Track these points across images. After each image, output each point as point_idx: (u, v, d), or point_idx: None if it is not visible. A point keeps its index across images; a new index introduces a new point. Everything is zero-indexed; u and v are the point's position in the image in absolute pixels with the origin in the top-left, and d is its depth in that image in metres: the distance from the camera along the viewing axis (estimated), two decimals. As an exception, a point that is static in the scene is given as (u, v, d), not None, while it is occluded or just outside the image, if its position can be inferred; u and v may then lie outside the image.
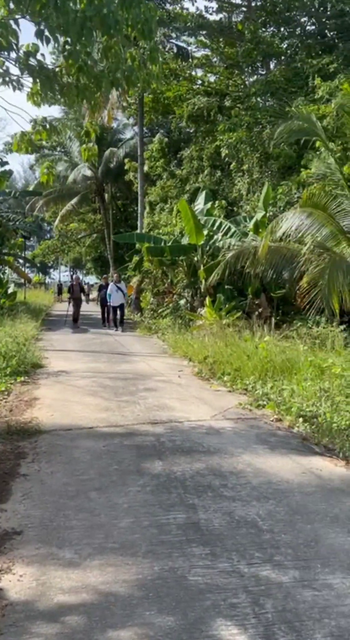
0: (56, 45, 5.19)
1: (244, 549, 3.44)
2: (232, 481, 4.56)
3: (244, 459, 5.11)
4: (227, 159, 18.15)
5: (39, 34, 5.10)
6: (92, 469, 4.85)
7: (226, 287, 14.28)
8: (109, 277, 20.73)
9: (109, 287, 17.45)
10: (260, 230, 13.68)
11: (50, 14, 4.89)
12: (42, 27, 5.09)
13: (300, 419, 6.27)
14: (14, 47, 5.68)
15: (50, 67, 6.30)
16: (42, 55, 6.13)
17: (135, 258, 19.38)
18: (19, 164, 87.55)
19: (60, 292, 40.70)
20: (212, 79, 26.19)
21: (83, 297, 19.38)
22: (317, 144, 13.17)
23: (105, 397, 7.64)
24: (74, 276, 20.81)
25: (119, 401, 7.40)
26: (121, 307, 17.35)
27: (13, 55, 5.99)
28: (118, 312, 17.27)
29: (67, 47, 5.39)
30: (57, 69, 6.22)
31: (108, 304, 17.60)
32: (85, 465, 4.93)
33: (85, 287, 48.45)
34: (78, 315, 18.42)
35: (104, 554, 3.39)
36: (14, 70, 6.50)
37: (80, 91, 5.99)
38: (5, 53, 5.66)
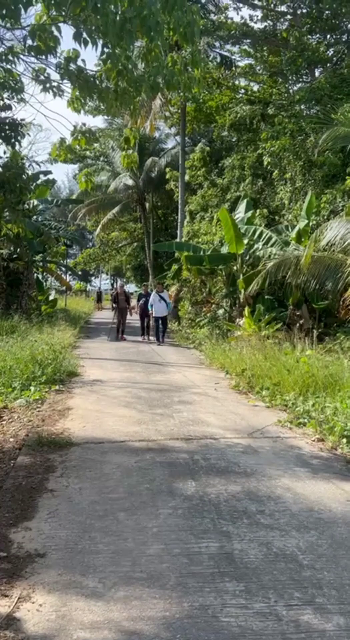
0: (95, 48, 5.05)
1: (282, 587, 3.13)
2: (270, 507, 4.25)
3: (283, 482, 4.79)
4: (269, 167, 17.81)
5: (77, 37, 4.98)
6: (121, 487, 4.63)
7: (266, 297, 13.92)
8: (148, 286, 19.80)
9: (151, 296, 16.35)
10: (302, 239, 13.30)
11: (88, 16, 4.77)
12: (80, 30, 4.97)
13: (344, 440, 5.89)
14: (54, 52, 5.62)
15: (90, 72, 6.23)
16: (83, 61, 6.08)
17: (174, 267, 19.24)
18: (64, 174, 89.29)
19: (99, 299, 39.79)
20: (255, 87, 25.93)
21: (128, 308, 17.62)
22: (364, 151, 12.71)
23: (139, 409, 7.43)
24: (118, 284, 18.81)
25: (153, 414, 7.18)
26: (164, 319, 16.28)
27: (53, 60, 5.95)
28: (160, 323, 16.15)
29: (106, 50, 5.25)
30: (96, 74, 6.13)
31: (149, 313, 16.48)
32: (115, 483, 4.72)
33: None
34: (124, 328, 17.12)
35: (130, 584, 3.15)
36: (55, 77, 6.46)
37: (118, 96, 5.86)
38: (44, 58, 5.57)
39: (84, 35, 5.09)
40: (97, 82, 5.94)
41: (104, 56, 5.44)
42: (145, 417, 6.98)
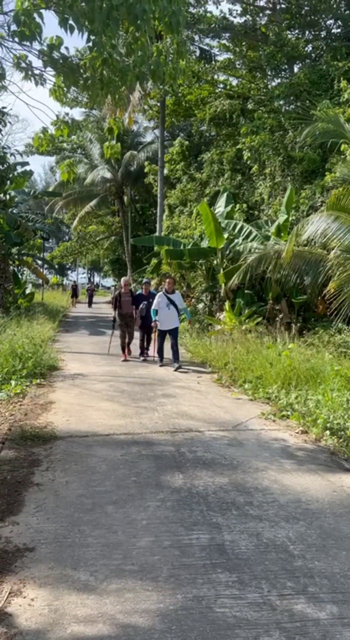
0: (81, 35, 4.96)
1: (274, 577, 3.14)
2: (257, 498, 4.27)
3: (269, 474, 4.81)
4: (248, 162, 17.86)
5: (63, 23, 4.88)
6: (108, 480, 4.59)
7: (246, 291, 13.98)
8: (150, 284, 13.27)
9: (156, 299, 11.02)
10: (282, 234, 13.37)
11: (74, 1, 4.68)
12: (66, 16, 4.87)
13: (327, 432, 5.95)
14: (38, 37, 5.50)
15: (75, 60, 6.12)
16: (66, 48, 5.97)
17: (154, 261, 19.20)
18: (40, 166, 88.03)
19: (75, 294, 35.26)
20: (234, 82, 25.96)
21: (136, 314, 11.82)
22: (342, 147, 12.83)
23: (123, 403, 7.39)
24: (122, 280, 12.56)
25: (136, 407, 7.15)
26: (175, 332, 10.92)
27: (36, 46, 5.83)
28: (170, 339, 10.92)
29: (92, 37, 5.16)
30: (81, 63, 6.03)
31: (152, 324, 11.11)
32: (102, 476, 4.67)
33: (95, 287, 45.53)
34: (130, 342, 11.85)
35: (122, 577, 3.12)
36: (37, 64, 6.33)
37: (104, 85, 5.77)
38: (28, 44, 5.45)
39: (70, 21, 4.99)
40: (82, 70, 5.84)
41: (90, 44, 5.35)
42: (129, 411, 6.94)
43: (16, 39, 5.35)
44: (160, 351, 11.08)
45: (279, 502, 4.23)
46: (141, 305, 11.76)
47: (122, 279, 12.65)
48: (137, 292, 12.27)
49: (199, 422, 6.51)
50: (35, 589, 2.98)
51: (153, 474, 4.74)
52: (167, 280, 11.38)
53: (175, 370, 10.09)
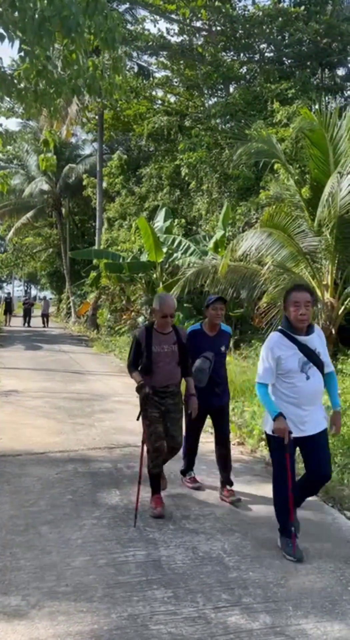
0: (11, 45, 4.87)
1: (209, 590, 3.15)
2: (194, 512, 4.29)
3: (206, 486, 4.84)
4: (186, 178, 18.16)
5: (-8, 30, 4.79)
6: (43, 499, 4.47)
7: (185, 305, 14.12)
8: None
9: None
10: (219, 249, 13.64)
11: (5, 10, 4.61)
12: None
13: (263, 443, 6.07)
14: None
15: (8, 71, 6.03)
16: (0, 59, 5.88)
17: (93, 274, 19.03)
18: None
19: (9, 309, 30.75)
20: (172, 99, 26.41)
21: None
22: (276, 166, 13.33)
23: (59, 419, 7.23)
24: (160, 300, 4.45)
25: (73, 424, 7.01)
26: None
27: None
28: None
29: (24, 47, 5.09)
30: (15, 73, 5.94)
31: (192, 409, 4.52)
32: (36, 496, 4.54)
33: (33, 301, 41.49)
34: (166, 457, 4.58)
35: (56, 599, 3.03)
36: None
37: (38, 97, 5.71)
38: None
39: (0, 29, 4.90)
40: (16, 81, 5.75)
41: (22, 54, 5.28)
42: (66, 427, 6.80)
43: None
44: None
45: (215, 514, 4.26)
46: (200, 364, 4.76)
47: (160, 297, 4.60)
48: (189, 329, 5.12)
49: (137, 437, 6.43)
50: None
51: (89, 492, 4.66)
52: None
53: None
